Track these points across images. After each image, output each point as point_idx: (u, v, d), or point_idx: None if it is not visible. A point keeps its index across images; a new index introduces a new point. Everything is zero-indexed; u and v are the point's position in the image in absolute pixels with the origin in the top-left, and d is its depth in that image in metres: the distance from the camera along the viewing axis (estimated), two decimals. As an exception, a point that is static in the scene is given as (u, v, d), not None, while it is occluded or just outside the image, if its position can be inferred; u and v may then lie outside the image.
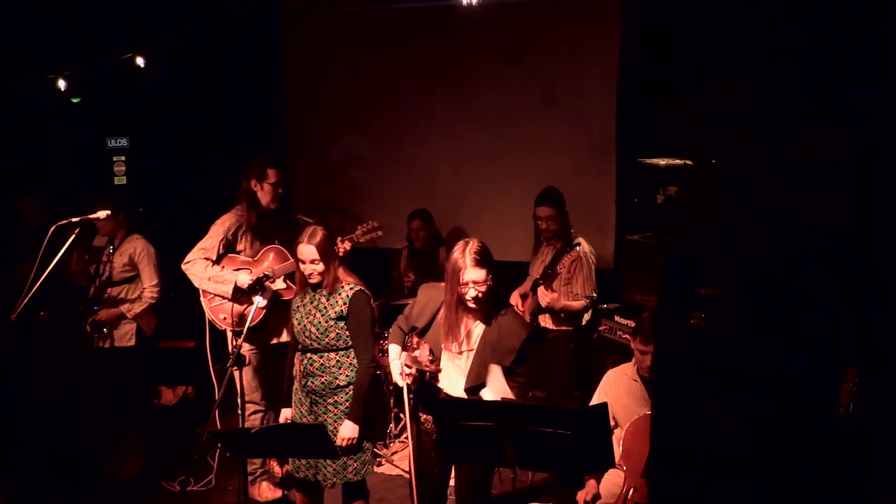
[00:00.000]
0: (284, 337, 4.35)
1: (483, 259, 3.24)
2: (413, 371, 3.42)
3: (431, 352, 3.47)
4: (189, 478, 4.62)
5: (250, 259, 4.32)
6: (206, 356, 4.40)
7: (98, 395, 4.99)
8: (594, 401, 3.74)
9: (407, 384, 3.50)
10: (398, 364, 3.57)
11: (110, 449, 4.91)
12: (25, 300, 3.57)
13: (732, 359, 2.31)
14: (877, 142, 4.19)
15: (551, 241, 4.62)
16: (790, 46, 4.67)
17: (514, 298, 4.74)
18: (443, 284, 3.47)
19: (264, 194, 4.31)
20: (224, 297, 4.23)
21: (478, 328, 3.35)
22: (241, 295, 4.22)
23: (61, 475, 4.68)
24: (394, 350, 3.65)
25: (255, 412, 4.44)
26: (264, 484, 4.50)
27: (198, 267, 4.24)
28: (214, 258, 4.27)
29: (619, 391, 3.72)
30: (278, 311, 4.26)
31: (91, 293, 4.74)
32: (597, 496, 3.64)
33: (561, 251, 4.48)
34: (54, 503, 4.53)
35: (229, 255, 4.32)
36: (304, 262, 3.55)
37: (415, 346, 3.57)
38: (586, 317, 4.65)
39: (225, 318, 4.30)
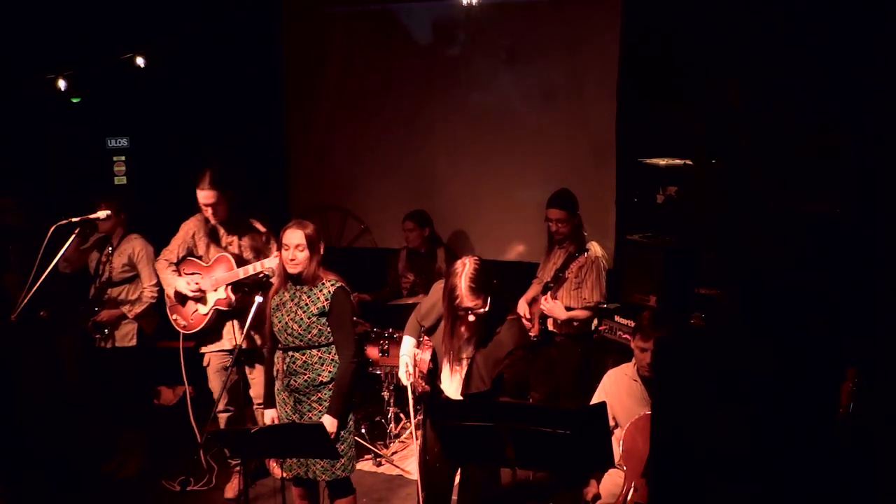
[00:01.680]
0: (227, 345, 4.41)
1: (479, 286, 3.22)
2: (415, 373, 3.44)
3: (433, 357, 3.48)
4: (189, 478, 4.62)
5: (204, 265, 4.37)
6: (181, 357, 4.48)
7: (98, 395, 4.99)
8: (594, 401, 3.74)
9: (410, 384, 3.53)
10: (405, 360, 3.59)
11: (110, 449, 4.90)
12: (25, 300, 3.57)
13: (732, 359, 2.31)
14: (876, 142, 4.19)
15: (563, 243, 4.60)
16: (790, 47, 4.67)
17: (522, 307, 4.71)
18: None
19: None
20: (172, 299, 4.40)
21: (476, 338, 3.37)
22: (184, 298, 4.34)
23: (61, 475, 4.68)
24: (406, 343, 3.67)
25: (223, 411, 4.50)
26: (235, 481, 4.52)
27: (160, 267, 4.43)
28: (175, 260, 4.40)
29: (619, 391, 3.72)
30: (220, 319, 4.39)
31: (91, 294, 4.74)
32: (597, 496, 3.64)
33: (573, 255, 4.46)
34: (54, 503, 4.52)
35: (189, 258, 4.42)
36: (287, 248, 3.55)
37: (425, 345, 3.59)
38: (595, 322, 4.64)
39: (176, 320, 4.44)
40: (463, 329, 3.32)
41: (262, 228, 4.37)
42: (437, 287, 3.56)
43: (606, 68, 5.53)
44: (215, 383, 4.47)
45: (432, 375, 3.55)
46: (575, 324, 4.50)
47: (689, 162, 5.43)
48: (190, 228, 4.41)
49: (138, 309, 4.71)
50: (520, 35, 5.82)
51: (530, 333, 4.57)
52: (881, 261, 3.87)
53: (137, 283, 4.77)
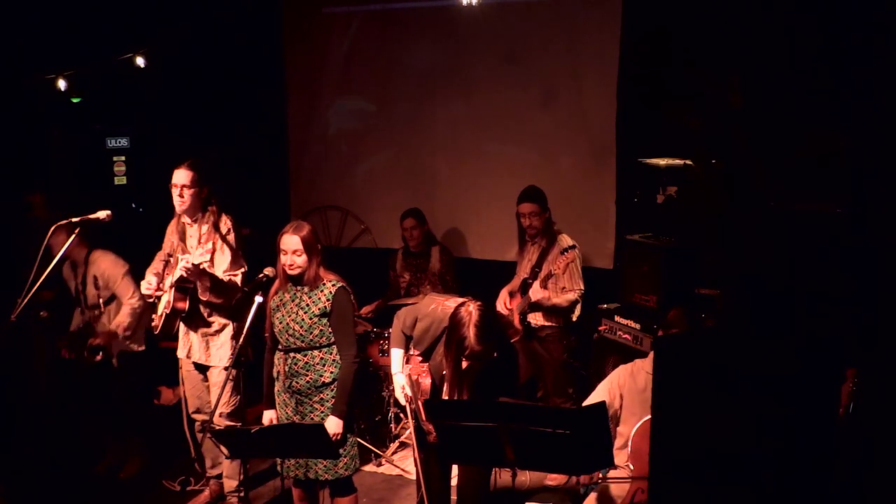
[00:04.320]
0: (181, 352, 4.23)
1: (487, 332, 3.21)
2: (412, 396, 3.45)
3: (435, 388, 3.48)
4: (189, 477, 4.62)
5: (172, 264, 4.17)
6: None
7: (97, 395, 4.99)
8: (600, 392, 3.68)
9: (409, 405, 3.53)
10: (401, 379, 3.59)
11: (109, 449, 4.90)
12: (25, 300, 3.56)
13: (732, 359, 2.31)
14: (876, 142, 4.19)
15: (535, 238, 4.64)
16: (790, 47, 4.68)
17: (503, 296, 4.74)
18: (447, 302, 3.46)
19: None
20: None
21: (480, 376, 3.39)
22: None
23: (61, 475, 4.68)
24: (396, 357, 3.65)
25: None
26: (207, 492, 4.45)
27: (151, 266, 4.22)
28: (163, 258, 4.19)
29: (634, 385, 3.64)
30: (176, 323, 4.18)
31: (79, 322, 4.67)
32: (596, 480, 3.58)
33: (546, 249, 4.51)
34: (54, 503, 4.52)
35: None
36: (285, 253, 3.53)
37: (416, 365, 3.58)
38: (577, 312, 4.66)
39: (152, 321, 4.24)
40: (470, 372, 3.31)
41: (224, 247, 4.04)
42: (431, 310, 3.54)
43: (606, 68, 5.53)
44: (186, 389, 4.29)
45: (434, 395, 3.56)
46: (555, 308, 4.52)
47: (689, 162, 5.43)
48: (169, 226, 4.21)
49: (126, 322, 4.55)
50: (520, 35, 5.82)
51: (515, 325, 4.64)
52: (881, 261, 3.87)
53: (118, 302, 4.66)
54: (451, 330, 3.27)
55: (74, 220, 3.72)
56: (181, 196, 3.99)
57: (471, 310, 3.23)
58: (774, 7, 4.74)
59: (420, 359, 3.58)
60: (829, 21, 4.44)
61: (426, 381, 3.52)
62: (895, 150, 4.04)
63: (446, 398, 3.42)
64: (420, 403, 3.46)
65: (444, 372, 3.40)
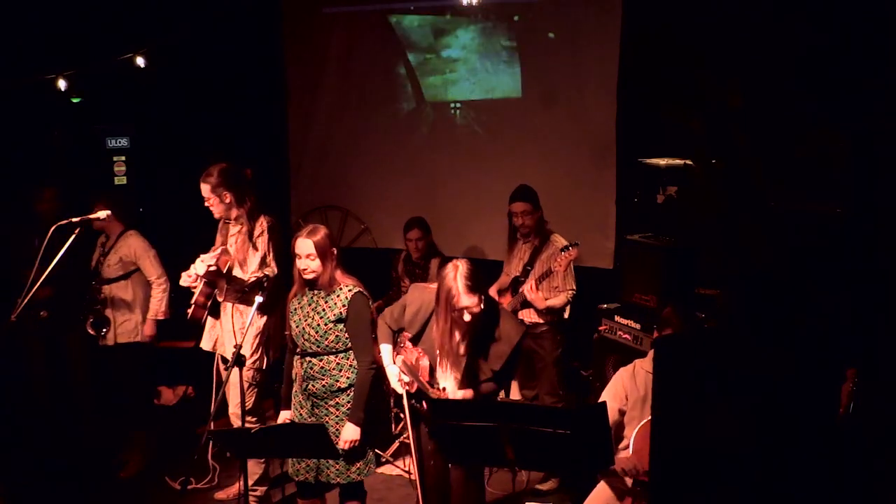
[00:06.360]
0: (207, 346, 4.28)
1: (474, 283, 3.29)
2: (411, 380, 3.45)
3: (432, 368, 3.48)
4: (190, 478, 4.61)
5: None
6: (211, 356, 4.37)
7: (98, 394, 4.99)
8: (605, 395, 3.67)
9: (406, 391, 3.53)
10: (395, 370, 3.59)
11: (110, 448, 4.90)
12: (26, 300, 3.56)
13: (732, 359, 2.31)
14: (876, 142, 4.20)
15: (528, 237, 4.63)
16: (790, 47, 4.68)
17: (492, 293, 4.73)
18: (432, 285, 3.49)
19: None
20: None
21: (470, 336, 3.42)
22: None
23: (61, 475, 4.68)
24: (386, 352, 3.67)
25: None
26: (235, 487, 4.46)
27: None
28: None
29: (635, 386, 3.63)
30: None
31: (88, 292, 4.74)
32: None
33: (539, 248, 4.50)
34: (54, 503, 4.52)
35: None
36: (299, 257, 3.53)
37: (409, 351, 3.58)
38: (568, 309, 4.67)
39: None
40: (460, 330, 3.36)
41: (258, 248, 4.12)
42: (414, 291, 3.60)
43: (606, 68, 5.53)
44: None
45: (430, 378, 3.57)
46: (543, 310, 4.54)
47: (689, 162, 5.43)
48: (220, 224, 4.31)
49: (162, 307, 4.74)
50: (520, 35, 5.82)
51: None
52: (881, 261, 3.87)
53: (133, 280, 4.78)
54: (439, 287, 3.34)
55: (74, 220, 3.73)
56: (209, 206, 4.15)
57: (457, 264, 3.32)
58: (774, 8, 4.74)
59: (411, 345, 3.60)
60: (829, 21, 4.44)
61: (424, 362, 3.54)
62: (895, 150, 4.04)
63: (442, 368, 3.44)
64: (423, 381, 3.48)
65: (436, 344, 3.43)
